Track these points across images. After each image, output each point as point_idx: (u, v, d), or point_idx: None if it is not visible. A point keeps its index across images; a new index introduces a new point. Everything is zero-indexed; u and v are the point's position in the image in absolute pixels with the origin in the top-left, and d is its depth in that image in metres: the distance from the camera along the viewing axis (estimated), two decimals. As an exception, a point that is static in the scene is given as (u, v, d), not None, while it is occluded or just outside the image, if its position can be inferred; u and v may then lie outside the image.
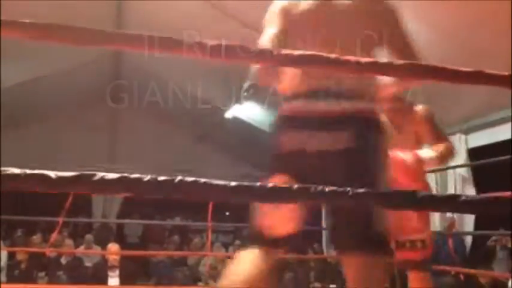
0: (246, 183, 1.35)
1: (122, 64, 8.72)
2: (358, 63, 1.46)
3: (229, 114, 8.87)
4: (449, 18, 4.56)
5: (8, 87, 7.98)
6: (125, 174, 1.27)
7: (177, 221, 10.63)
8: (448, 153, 2.56)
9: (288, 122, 1.72)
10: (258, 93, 7.90)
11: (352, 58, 1.44)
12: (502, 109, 5.04)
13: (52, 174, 1.18)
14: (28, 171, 1.17)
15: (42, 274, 6.32)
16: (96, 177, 1.21)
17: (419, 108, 2.67)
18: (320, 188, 1.33)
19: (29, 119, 9.98)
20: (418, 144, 2.67)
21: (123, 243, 8.08)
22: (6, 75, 7.71)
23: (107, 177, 1.22)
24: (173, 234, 8.97)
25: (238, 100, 8.30)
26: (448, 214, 5.51)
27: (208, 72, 7.44)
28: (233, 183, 1.33)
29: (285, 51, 1.45)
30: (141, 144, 9.91)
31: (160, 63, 7.45)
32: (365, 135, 1.63)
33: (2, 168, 1.17)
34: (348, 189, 1.32)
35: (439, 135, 2.62)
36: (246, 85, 7.88)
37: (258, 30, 6.09)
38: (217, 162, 9.58)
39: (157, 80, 8.56)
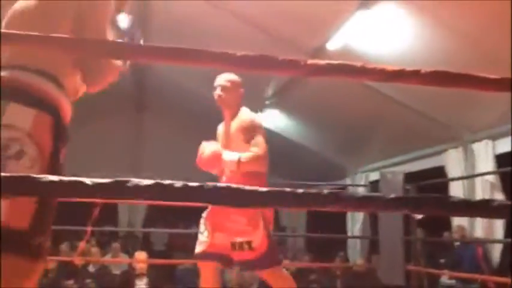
0: (277, 189, 1.37)
1: (146, 72, 8.82)
2: (382, 71, 1.47)
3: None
4: (471, 24, 4.52)
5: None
6: (158, 181, 1.30)
7: (202, 229, 10.67)
8: (248, 162, 2.79)
9: None
10: (280, 101, 7.92)
11: (378, 66, 1.46)
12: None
13: (88, 181, 1.21)
14: (65, 178, 1.21)
15: (70, 282, 6.40)
16: (131, 184, 1.24)
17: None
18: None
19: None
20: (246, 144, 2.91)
21: (150, 251, 8.14)
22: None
23: (141, 184, 1.25)
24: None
25: (260, 108, 8.33)
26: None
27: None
28: (263, 189, 1.35)
29: (311, 61, 1.47)
30: (166, 152, 9.99)
31: (184, 70, 7.53)
32: None
33: (40, 176, 1.21)
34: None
35: (253, 142, 2.86)
36: (269, 93, 7.92)
37: (280, 38, 6.04)
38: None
39: (182, 87, 8.67)
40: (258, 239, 2.69)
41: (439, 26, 4.82)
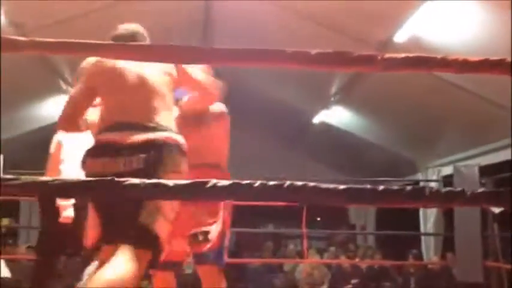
0: (356, 186, 1.34)
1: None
2: (465, 62, 1.41)
3: (317, 119, 8.83)
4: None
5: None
6: (236, 181, 1.31)
7: (270, 228, 10.72)
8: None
9: (93, 150, 2.10)
10: (345, 97, 7.82)
11: (459, 58, 1.40)
12: None
13: (169, 182, 1.23)
14: (146, 180, 1.23)
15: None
16: (210, 185, 1.25)
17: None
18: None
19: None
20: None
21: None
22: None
23: (219, 184, 1.26)
24: (267, 241, 9.04)
25: (325, 105, 8.26)
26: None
27: (295, 78, 7.46)
28: (342, 187, 1.33)
29: (388, 55, 1.43)
30: (230, 152, 10.07)
31: (246, 70, 7.57)
32: (152, 159, 1.99)
33: (122, 179, 1.24)
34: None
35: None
36: (333, 90, 7.84)
37: (346, 34, 5.95)
38: (308, 168, 9.56)
39: (245, 87, 8.73)
40: (215, 232, 2.59)
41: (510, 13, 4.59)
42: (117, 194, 1.23)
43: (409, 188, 1.30)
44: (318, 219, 12.18)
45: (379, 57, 1.40)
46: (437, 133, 7.44)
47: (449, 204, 1.47)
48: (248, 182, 1.29)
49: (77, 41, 1.47)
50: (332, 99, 8.02)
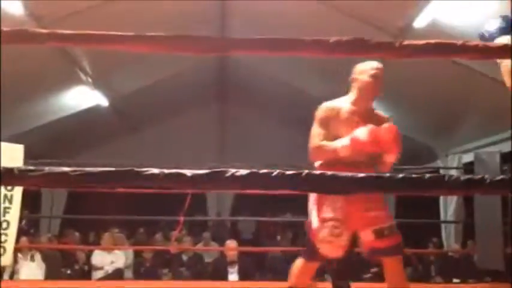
0: (375, 174, 1.33)
1: (228, 63, 8.94)
2: (486, 47, 1.39)
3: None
4: None
5: (125, 95, 8.51)
6: (254, 170, 1.31)
7: (288, 216, 10.71)
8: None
9: None
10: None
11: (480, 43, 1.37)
12: None
13: (188, 172, 1.24)
14: (166, 170, 1.24)
15: (165, 271, 6.64)
16: (228, 174, 1.25)
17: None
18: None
19: (145, 123, 10.57)
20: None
21: (238, 239, 8.30)
22: (122, 83, 8.23)
23: (237, 174, 1.26)
24: (286, 230, 9.05)
25: (345, 93, 8.20)
26: None
27: (316, 67, 7.42)
28: (361, 175, 1.32)
29: (407, 42, 1.41)
30: (251, 140, 10.11)
31: (264, 59, 7.54)
32: None
33: (143, 169, 1.25)
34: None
35: None
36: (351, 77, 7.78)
37: (365, 21, 5.86)
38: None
39: (264, 75, 8.72)
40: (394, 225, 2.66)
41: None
42: (137, 183, 1.24)
43: (428, 175, 1.29)
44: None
45: (397, 44, 1.38)
46: (457, 120, 7.35)
47: (468, 192, 1.45)
48: (266, 171, 1.29)
49: (95, 32, 1.48)
50: (348, 88, 7.97)
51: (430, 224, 8.15)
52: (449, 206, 7.41)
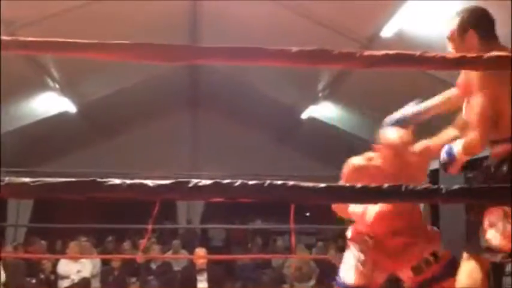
0: (334, 185, 1.36)
1: (199, 69, 8.93)
2: (443, 58, 1.43)
3: (305, 114, 8.86)
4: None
5: (93, 101, 8.41)
6: (218, 180, 1.32)
7: (258, 223, 10.74)
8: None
9: None
10: (333, 93, 7.84)
11: (438, 54, 1.41)
12: None
13: (150, 182, 1.24)
14: (128, 181, 1.24)
15: (134, 280, 6.58)
16: (191, 184, 1.26)
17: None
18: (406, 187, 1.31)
19: (116, 130, 10.46)
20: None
21: (208, 247, 8.28)
22: (91, 89, 8.14)
23: (201, 184, 1.27)
24: (256, 237, 9.07)
25: (314, 100, 8.28)
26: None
27: (285, 74, 7.47)
28: (321, 185, 1.34)
29: (367, 53, 1.44)
30: (222, 148, 10.10)
31: (237, 66, 7.57)
32: None
33: (106, 180, 1.24)
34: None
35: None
36: (321, 85, 7.86)
37: (334, 29, 5.90)
38: (297, 163, 9.58)
39: (236, 83, 8.73)
40: (438, 244, 2.58)
41: (498, 7, 4.61)
42: (98, 195, 1.23)
43: (386, 185, 1.32)
44: (307, 214, 12.22)
45: (358, 54, 1.41)
46: (425, 128, 7.47)
47: (425, 200, 1.49)
48: (228, 181, 1.30)
49: (59, 40, 1.47)
50: (320, 94, 8.04)
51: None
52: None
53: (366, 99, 7.53)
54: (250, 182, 1.31)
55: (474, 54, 1.44)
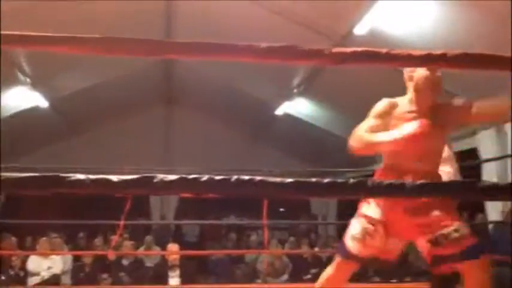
0: (301, 180, 1.36)
1: (173, 66, 8.88)
2: (409, 56, 1.44)
3: (280, 111, 8.89)
4: (505, 4, 4.39)
5: (66, 96, 8.30)
6: (184, 175, 1.31)
7: (232, 219, 10.74)
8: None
9: None
10: (307, 89, 7.88)
11: (404, 51, 1.43)
12: None
13: (115, 178, 1.22)
14: (92, 176, 1.23)
15: (105, 276, 6.51)
16: (156, 179, 1.25)
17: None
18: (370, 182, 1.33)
19: (88, 126, 10.33)
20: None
21: (182, 243, 8.23)
22: (63, 84, 8.03)
23: (166, 179, 1.26)
24: (230, 232, 9.07)
25: (288, 97, 8.31)
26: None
27: (259, 70, 7.47)
28: (289, 180, 1.35)
29: (336, 50, 1.45)
30: (196, 144, 10.08)
31: (211, 62, 7.54)
32: None
33: (69, 175, 1.22)
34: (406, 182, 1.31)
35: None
36: (296, 81, 7.89)
37: (308, 26, 5.95)
38: (271, 159, 9.62)
39: (210, 79, 8.70)
40: (462, 229, 2.36)
41: (470, 6, 4.70)
42: (62, 190, 1.21)
43: (352, 180, 1.33)
44: (281, 209, 12.28)
45: (326, 51, 1.41)
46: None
47: (390, 195, 1.51)
48: (195, 176, 1.30)
49: (29, 33, 1.44)
50: (295, 90, 8.08)
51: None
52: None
53: (339, 95, 7.60)
54: (217, 178, 1.30)
55: (441, 52, 1.46)
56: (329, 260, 7.93)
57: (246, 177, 1.35)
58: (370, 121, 2.56)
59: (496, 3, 4.41)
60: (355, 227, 2.51)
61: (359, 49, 1.46)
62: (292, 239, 8.28)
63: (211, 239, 9.31)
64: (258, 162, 8.52)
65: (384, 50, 1.42)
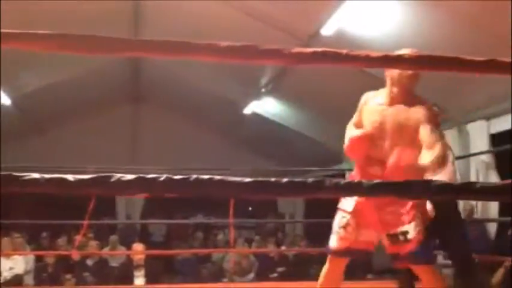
0: (260, 179, 1.37)
1: (140, 64, 8.79)
2: (367, 57, 1.46)
3: (248, 110, 8.89)
4: (471, 4, 4.48)
5: (29, 93, 8.12)
6: (142, 175, 1.30)
7: (200, 218, 10.71)
8: (439, 162, 2.41)
9: None
10: (275, 89, 7.91)
11: (362, 52, 1.44)
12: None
13: (70, 177, 1.21)
14: (47, 175, 1.21)
15: (69, 276, 6.41)
16: (114, 179, 1.23)
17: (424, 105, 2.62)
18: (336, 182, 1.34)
19: (54, 123, 10.14)
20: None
21: (148, 242, 8.16)
22: (26, 80, 7.85)
23: (124, 179, 1.25)
24: (197, 231, 9.04)
25: (256, 96, 8.32)
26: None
27: (227, 69, 7.47)
28: (248, 180, 1.35)
29: (296, 50, 1.46)
30: (164, 144, 10.01)
31: (179, 61, 7.49)
32: None
33: (23, 174, 1.20)
34: (365, 182, 1.33)
35: (435, 138, 2.51)
36: (264, 80, 7.90)
37: (275, 26, 5.96)
38: (239, 158, 9.62)
39: (178, 78, 8.65)
40: (414, 230, 2.48)
41: (436, 7, 4.78)
42: (16, 189, 1.19)
43: (310, 179, 1.34)
44: (249, 208, 12.31)
45: (286, 51, 1.42)
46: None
47: (348, 194, 1.53)
48: (153, 176, 1.29)
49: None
50: (263, 90, 8.09)
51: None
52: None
53: (307, 95, 7.65)
54: (176, 177, 1.30)
55: (398, 54, 1.48)
56: (296, 259, 8.02)
57: (206, 177, 1.35)
58: (354, 117, 2.75)
59: (460, 4, 4.50)
60: (335, 221, 2.63)
61: (319, 49, 1.47)
62: (258, 237, 8.31)
63: (178, 239, 9.26)
64: (226, 161, 8.52)
65: (344, 51, 1.44)
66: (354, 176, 2.72)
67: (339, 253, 2.61)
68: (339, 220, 2.61)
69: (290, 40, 5.92)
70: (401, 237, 2.47)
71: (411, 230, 2.47)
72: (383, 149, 2.52)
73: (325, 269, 2.66)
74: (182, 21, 6.38)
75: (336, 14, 5.21)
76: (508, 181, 3.56)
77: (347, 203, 2.60)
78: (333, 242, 2.61)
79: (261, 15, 5.95)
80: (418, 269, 2.54)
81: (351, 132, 2.60)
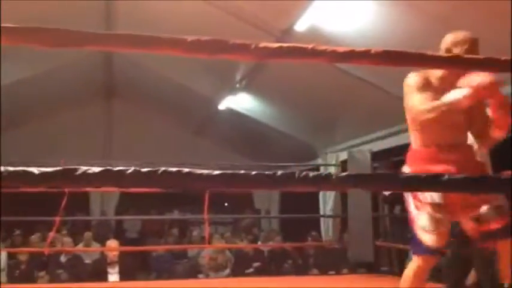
0: (228, 172, 1.38)
1: (114, 58, 8.70)
2: (333, 52, 1.48)
3: (223, 105, 8.88)
4: (443, 4, 4.54)
5: (0, 88, 7.98)
6: (109, 168, 1.30)
7: (175, 214, 10.66)
8: None
9: None
10: (250, 84, 7.91)
11: (329, 47, 1.46)
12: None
13: (35, 170, 1.20)
14: (11, 168, 1.20)
15: (42, 273, 6.35)
16: (79, 172, 1.23)
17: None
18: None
19: (27, 118, 9.98)
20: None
21: (123, 239, 8.11)
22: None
23: (90, 171, 1.25)
24: (172, 227, 9.01)
25: (231, 91, 8.31)
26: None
27: (202, 64, 7.44)
28: (216, 172, 1.36)
29: (262, 45, 1.47)
30: (138, 139, 9.94)
31: (152, 56, 7.44)
32: None
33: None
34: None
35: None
36: (238, 76, 7.90)
37: (248, 21, 5.94)
38: (214, 154, 9.60)
39: (151, 73, 8.58)
40: (503, 203, 2.39)
41: (408, 7, 4.84)
42: None
43: (279, 173, 1.36)
44: (226, 204, 12.30)
45: (252, 46, 1.43)
46: (336, 120, 7.73)
47: (317, 187, 1.55)
48: (120, 168, 1.29)
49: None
50: (237, 85, 8.09)
51: (310, 219, 8.49)
52: (327, 202, 7.77)
53: (282, 91, 7.67)
54: (143, 170, 1.31)
55: (364, 49, 1.50)
56: (271, 253, 8.03)
57: (174, 169, 1.36)
58: (419, 95, 2.48)
59: (432, 3, 4.57)
60: (423, 219, 2.45)
61: (285, 44, 1.49)
62: (227, 234, 8.34)
63: (153, 235, 9.22)
64: (200, 156, 8.50)
65: (310, 46, 1.46)
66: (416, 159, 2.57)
67: (437, 250, 2.47)
68: (431, 216, 2.43)
69: (263, 36, 5.92)
70: (492, 213, 2.38)
71: (502, 203, 2.40)
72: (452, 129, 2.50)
73: (415, 268, 2.51)
74: (152, 17, 6.33)
75: (310, 10, 5.24)
76: None
77: (434, 195, 2.40)
78: (428, 240, 2.43)
79: (234, 10, 5.94)
80: (504, 245, 2.41)
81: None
